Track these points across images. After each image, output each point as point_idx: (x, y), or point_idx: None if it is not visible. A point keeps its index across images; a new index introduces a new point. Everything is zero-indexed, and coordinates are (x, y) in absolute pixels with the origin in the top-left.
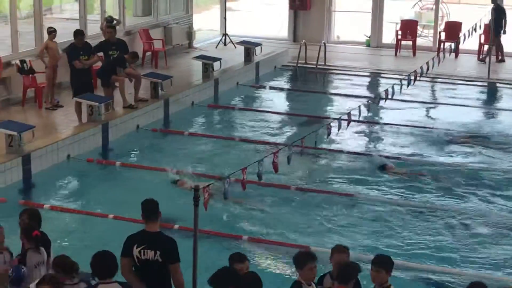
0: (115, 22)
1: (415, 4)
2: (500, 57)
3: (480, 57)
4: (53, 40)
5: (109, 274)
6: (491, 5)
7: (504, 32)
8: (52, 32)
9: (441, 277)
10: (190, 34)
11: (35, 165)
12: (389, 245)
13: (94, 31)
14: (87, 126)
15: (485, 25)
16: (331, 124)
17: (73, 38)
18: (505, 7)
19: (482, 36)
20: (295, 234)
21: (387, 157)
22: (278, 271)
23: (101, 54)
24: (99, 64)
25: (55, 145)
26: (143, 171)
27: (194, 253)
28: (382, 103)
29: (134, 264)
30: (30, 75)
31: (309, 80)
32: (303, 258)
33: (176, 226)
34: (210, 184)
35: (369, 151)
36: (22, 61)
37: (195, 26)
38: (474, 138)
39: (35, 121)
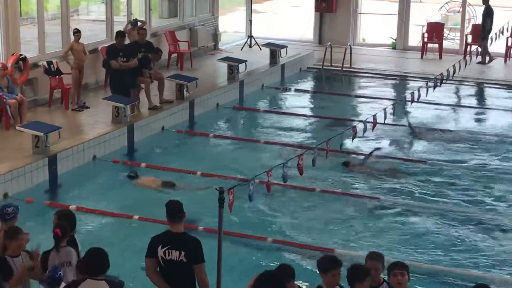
0: (140, 23)
1: (441, 7)
2: (487, 59)
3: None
4: (78, 41)
5: (99, 271)
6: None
7: (489, 33)
8: (76, 33)
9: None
10: (215, 36)
11: (61, 166)
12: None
13: None
14: (113, 127)
15: None
16: (357, 126)
17: (102, 39)
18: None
19: (510, 39)
20: (320, 237)
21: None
22: (302, 274)
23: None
24: None
25: (81, 146)
26: (168, 173)
27: (219, 254)
28: (408, 105)
29: (159, 265)
30: (57, 76)
31: (334, 83)
32: (327, 264)
33: (200, 228)
34: (235, 186)
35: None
36: (49, 62)
37: (221, 28)
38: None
39: (61, 122)
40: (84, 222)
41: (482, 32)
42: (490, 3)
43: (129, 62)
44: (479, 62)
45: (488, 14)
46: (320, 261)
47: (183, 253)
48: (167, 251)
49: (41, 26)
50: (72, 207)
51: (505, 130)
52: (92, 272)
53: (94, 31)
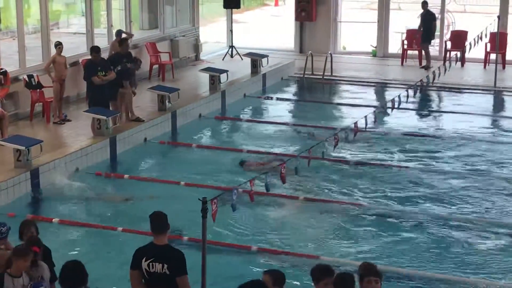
0: (125, 35)
1: (420, 14)
2: (426, 64)
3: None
4: (60, 54)
5: (76, 285)
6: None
7: (433, 38)
8: (58, 46)
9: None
10: (196, 47)
11: (43, 179)
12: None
13: (101, 45)
14: (95, 139)
15: (491, 33)
16: (338, 134)
17: (83, 52)
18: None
19: (488, 45)
20: (305, 244)
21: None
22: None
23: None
24: None
25: (63, 159)
26: (152, 184)
27: (203, 264)
28: (389, 112)
29: (144, 277)
30: (38, 90)
31: (315, 91)
32: (319, 273)
33: (185, 238)
34: (219, 196)
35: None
36: (30, 76)
37: (202, 39)
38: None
39: (43, 135)
40: (67, 235)
41: (423, 36)
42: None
43: (108, 76)
44: (422, 67)
45: (428, 18)
46: (313, 270)
47: (166, 265)
48: (150, 264)
49: (21, 40)
50: (55, 220)
51: (472, 132)
52: (69, 286)
53: (75, 44)
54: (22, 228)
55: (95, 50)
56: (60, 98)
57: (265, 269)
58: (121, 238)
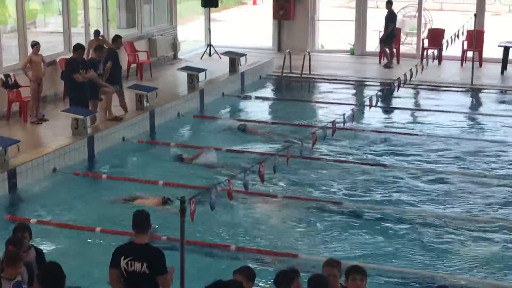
0: (100, 38)
1: (398, 12)
2: (387, 62)
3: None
4: (37, 53)
5: (55, 286)
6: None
7: (395, 36)
8: (35, 45)
9: None
10: (174, 46)
11: (20, 180)
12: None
13: None
14: (73, 139)
15: (468, 31)
16: (316, 132)
17: (60, 51)
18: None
19: (465, 43)
20: (284, 242)
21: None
22: (266, 280)
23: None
24: None
25: (40, 159)
26: (130, 183)
27: (182, 264)
28: (366, 110)
29: (122, 276)
30: (15, 89)
31: (294, 89)
32: (283, 279)
33: (164, 237)
34: (197, 195)
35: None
36: (6, 76)
37: (180, 37)
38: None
39: (20, 135)
40: (45, 235)
41: (384, 36)
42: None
43: (89, 74)
44: (385, 66)
45: (391, 18)
46: (276, 276)
47: (145, 264)
48: (129, 262)
49: None
50: (33, 220)
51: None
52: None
53: (52, 43)
54: (16, 230)
55: (79, 48)
56: (38, 97)
57: (234, 269)
58: (100, 238)
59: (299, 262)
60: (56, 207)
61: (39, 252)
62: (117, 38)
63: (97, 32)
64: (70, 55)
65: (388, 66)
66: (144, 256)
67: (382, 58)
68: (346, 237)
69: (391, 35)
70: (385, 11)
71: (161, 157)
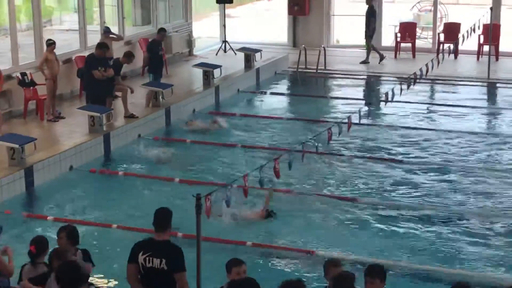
0: (114, 36)
1: (413, 6)
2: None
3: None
4: (52, 51)
5: (74, 286)
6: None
7: (375, 31)
8: (51, 44)
9: None
10: (190, 42)
11: (37, 177)
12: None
13: (94, 42)
14: (89, 136)
15: (484, 25)
16: (332, 128)
17: (75, 49)
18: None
19: (481, 37)
20: (301, 239)
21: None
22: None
23: None
24: None
25: (57, 156)
26: (146, 180)
27: (198, 261)
28: (382, 105)
29: (139, 272)
30: (31, 88)
31: (309, 85)
32: (229, 263)
33: (179, 234)
34: (213, 192)
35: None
36: (23, 74)
37: (195, 34)
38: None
39: (37, 133)
40: None
41: (366, 32)
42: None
43: (107, 72)
44: (362, 62)
45: (372, 13)
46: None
47: (164, 261)
48: (147, 258)
49: (14, 38)
50: (50, 218)
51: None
52: (66, 285)
53: (68, 41)
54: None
55: (104, 46)
56: (54, 95)
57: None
58: (117, 235)
59: (316, 260)
60: (73, 205)
61: (85, 254)
62: (160, 30)
63: (107, 29)
64: (86, 52)
65: (382, 58)
66: (163, 252)
67: (398, 52)
68: (360, 233)
69: (372, 31)
70: (401, 5)
71: (176, 154)
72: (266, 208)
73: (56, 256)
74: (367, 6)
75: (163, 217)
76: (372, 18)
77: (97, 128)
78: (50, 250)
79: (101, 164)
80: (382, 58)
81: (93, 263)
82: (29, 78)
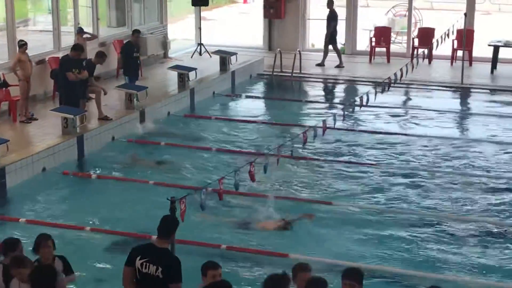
0: (88, 36)
1: (388, 11)
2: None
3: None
4: (25, 52)
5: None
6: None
7: (336, 34)
8: (23, 45)
9: None
10: (165, 44)
11: (10, 179)
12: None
13: (68, 43)
14: (62, 138)
15: (458, 30)
16: (307, 132)
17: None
18: None
19: (455, 42)
20: (275, 242)
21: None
22: (257, 280)
23: None
24: None
25: (30, 158)
26: (120, 183)
27: None
28: (357, 109)
29: (135, 276)
30: (4, 89)
31: (284, 88)
32: (205, 266)
33: (154, 237)
34: (187, 195)
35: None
36: None
37: (170, 36)
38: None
39: (9, 134)
40: (34, 235)
41: (326, 35)
42: (442, 6)
43: (82, 74)
44: (318, 64)
45: (333, 17)
46: (266, 282)
47: (160, 269)
48: (144, 264)
49: None
50: (22, 220)
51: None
52: None
53: (41, 42)
54: (38, 240)
55: (78, 48)
56: (27, 96)
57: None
58: (90, 237)
59: (290, 262)
60: (46, 207)
61: (64, 261)
62: (134, 32)
63: (80, 30)
64: (59, 54)
65: (321, 64)
66: (161, 260)
67: (373, 57)
68: (335, 237)
69: (334, 34)
70: (376, 10)
71: (151, 156)
72: (285, 219)
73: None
74: (328, 10)
75: (169, 225)
76: (333, 22)
77: (71, 130)
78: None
79: (74, 166)
80: (322, 62)
81: (72, 270)
82: (2, 79)
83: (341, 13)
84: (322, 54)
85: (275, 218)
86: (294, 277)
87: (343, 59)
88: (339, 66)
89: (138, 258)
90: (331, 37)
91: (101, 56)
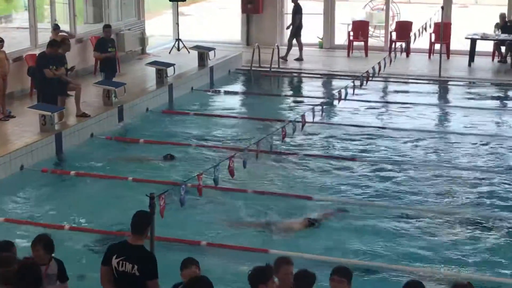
0: (65, 34)
1: (366, 5)
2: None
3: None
4: (1, 50)
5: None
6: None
7: (301, 28)
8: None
9: None
10: (142, 40)
11: None
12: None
13: (45, 40)
14: (40, 136)
15: (435, 24)
16: (286, 127)
17: (26, 47)
18: None
19: (433, 35)
20: (254, 238)
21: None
22: (236, 276)
23: None
24: None
25: (7, 156)
26: (99, 180)
27: None
28: (336, 103)
29: (113, 275)
30: None
31: (263, 83)
32: (184, 262)
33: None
34: (166, 191)
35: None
36: None
37: (148, 32)
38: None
39: None
40: (13, 233)
41: (292, 29)
42: None
43: (59, 70)
44: (281, 57)
45: (297, 11)
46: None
47: (136, 266)
48: (120, 262)
49: None
50: (0, 219)
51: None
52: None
53: (18, 39)
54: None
55: (56, 44)
56: (3, 94)
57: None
58: (69, 236)
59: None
60: (24, 205)
61: (60, 265)
62: (105, 27)
63: (56, 27)
64: (36, 51)
65: (284, 58)
66: (136, 258)
67: (351, 51)
68: (314, 231)
69: (298, 28)
70: (353, 4)
71: (129, 153)
72: (309, 218)
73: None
74: (293, 4)
75: (140, 220)
76: (298, 15)
77: (49, 127)
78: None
79: (53, 163)
80: (285, 56)
81: (67, 277)
82: None
83: (319, 7)
84: (303, 49)
85: (297, 218)
86: (276, 270)
87: (321, 53)
88: (299, 59)
89: (114, 257)
90: (296, 31)
91: (63, 44)
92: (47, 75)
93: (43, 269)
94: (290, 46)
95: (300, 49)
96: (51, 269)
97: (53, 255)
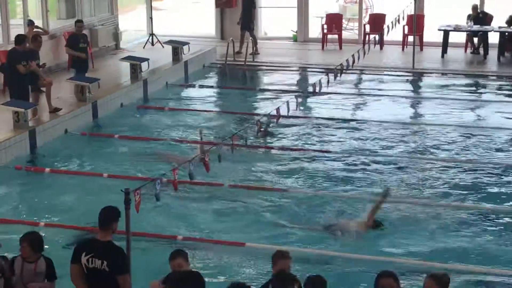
0: (40, 31)
1: None
2: (255, 51)
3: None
4: None
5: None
6: None
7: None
8: None
9: None
10: (116, 35)
11: None
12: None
13: None
14: (14, 132)
15: (408, 16)
16: (261, 120)
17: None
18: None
19: (406, 27)
20: (231, 232)
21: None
22: (214, 270)
23: None
24: None
25: None
26: (74, 176)
27: (128, 256)
28: (310, 96)
29: (83, 272)
30: None
31: (238, 77)
32: (172, 253)
33: None
34: (142, 186)
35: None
36: None
37: (121, 27)
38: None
39: None
40: None
41: (247, 23)
42: None
43: (31, 66)
44: (237, 52)
45: (251, 4)
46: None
47: (105, 262)
48: (90, 259)
49: None
50: None
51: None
52: None
53: None
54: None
55: (22, 39)
56: None
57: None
58: (44, 233)
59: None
60: None
61: (48, 263)
62: (76, 22)
63: (30, 22)
64: (8, 47)
65: (239, 52)
66: (105, 254)
67: (325, 44)
68: (295, 225)
69: (247, 21)
70: None
71: (104, 149)
72: (374, 218)
73: None
74: None
75: (106, 216)
76: (252, 9)
77: (22, 123)
78: None
79: (27, 160)
80: (239, 51)
81: (55, 276)
82: None
83: (293, 0)
84: (273, 42)
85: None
86: (274, 264)
87: (295, 46)
88: (238, 52)
89: (83, 254)
90: (250, 23)
91: (22, 40)
92: (20, 70)
93: (32, 267)
94: (254, 37)
95: (255, 43)
96: (39, 267)
97: (42, 253)
